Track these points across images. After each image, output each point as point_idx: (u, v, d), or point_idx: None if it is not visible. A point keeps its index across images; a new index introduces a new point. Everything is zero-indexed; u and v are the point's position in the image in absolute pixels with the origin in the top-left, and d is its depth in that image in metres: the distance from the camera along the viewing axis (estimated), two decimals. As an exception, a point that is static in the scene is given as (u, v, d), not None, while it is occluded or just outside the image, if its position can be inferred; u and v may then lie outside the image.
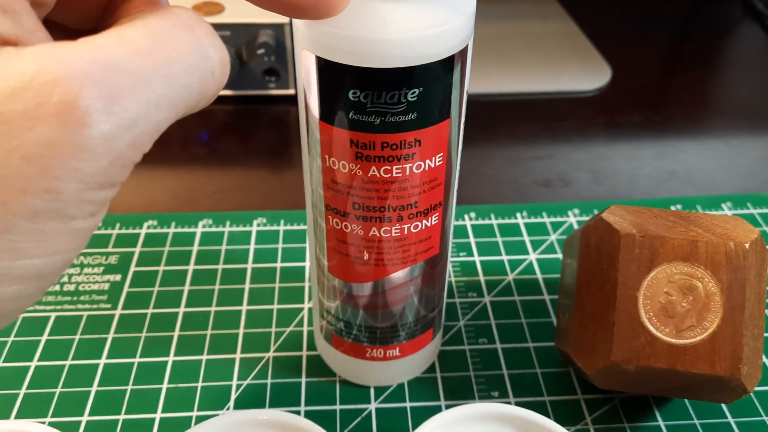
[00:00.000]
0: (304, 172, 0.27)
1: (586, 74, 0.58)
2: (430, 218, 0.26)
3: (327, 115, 0.23)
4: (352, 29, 0.21)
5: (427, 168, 0.25)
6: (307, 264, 0.39)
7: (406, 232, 0.26)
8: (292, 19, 0.23)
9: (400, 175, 0.24)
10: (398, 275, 0.28)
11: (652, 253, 0.27)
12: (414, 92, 0.22)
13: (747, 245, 0.27)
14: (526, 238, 0.41)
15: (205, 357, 0.34)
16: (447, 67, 0.22)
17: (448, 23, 0.22)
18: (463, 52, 0.23)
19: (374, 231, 0.26)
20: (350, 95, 0.22)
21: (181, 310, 0.36)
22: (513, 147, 0.50)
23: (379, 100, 0.22)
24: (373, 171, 0.24)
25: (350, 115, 0.23)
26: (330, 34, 0.21)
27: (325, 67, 0.22)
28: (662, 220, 0.28)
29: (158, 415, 0.31)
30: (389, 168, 0.24)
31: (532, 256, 0.39)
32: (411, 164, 0.24)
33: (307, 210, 0.29)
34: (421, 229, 0.26)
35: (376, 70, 0.22)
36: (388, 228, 0.26)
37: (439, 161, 0.25)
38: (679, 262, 0.27)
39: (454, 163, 0.26)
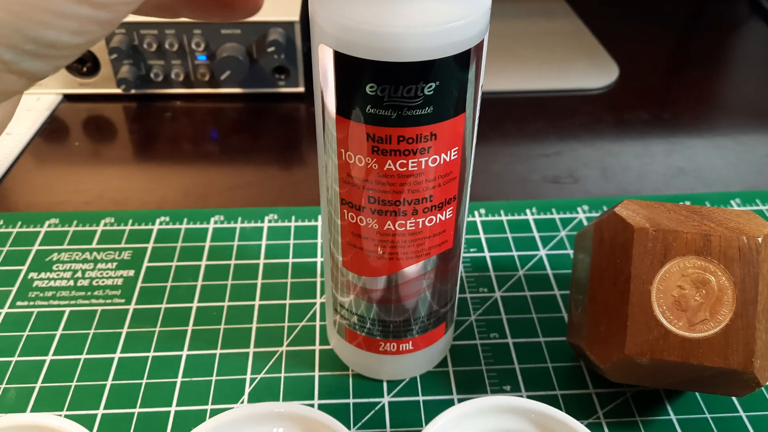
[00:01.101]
0: (319, 169, 0.27)
1: (594, 72, 0.58)
2: (444, 212, 0.27)
3: (344, 109, 0.24)
4: (371, 24, 0.21)
5: (442, 162, 0.25)
6: (318, 259, 0.39)
7: (420, 226, 0.26)
8: (310, 13, 0.23)
9: (416, 168, 0.25)
10: (412, 269, 0.28)
11: (665, 247, 0.27)
12: (431, 86, 0.23)
13: (760, 239, 0.27)
14: (536, 234, 0.41)
15: (218, 351, 0.34)
16: (463, 61, 0.23)
17: (465, 17, 0.22)
18: (479, 47, 0.23)
19: (389, 225, 0.26)
20: (368, 89, 0.23)
21: (195, 305, 0.36)
22: (521, 144, 0.50)
23: (396, 94, 0.23)
24: (389, 165, 0.24)
25: (367, 109, 0.23)
26: (348, 28, 0.22)
27: (343, 62, 0.22)
28: (675, 215, 0.28)
29: (173, 408, 0.31)
30: (405, 162, 0.24)
31: (542, 252, 0.40)
32: (427, 158, 0.24)
33: (321, 206, 0.29)
34: (436, 223, 0.27)
35: (393, 64, 0.22)
36: (403, 222, 0.26)
37: (454, 155, 0.25)
38: (692, 256, 0.27)
39: (468, 157, 0.26)
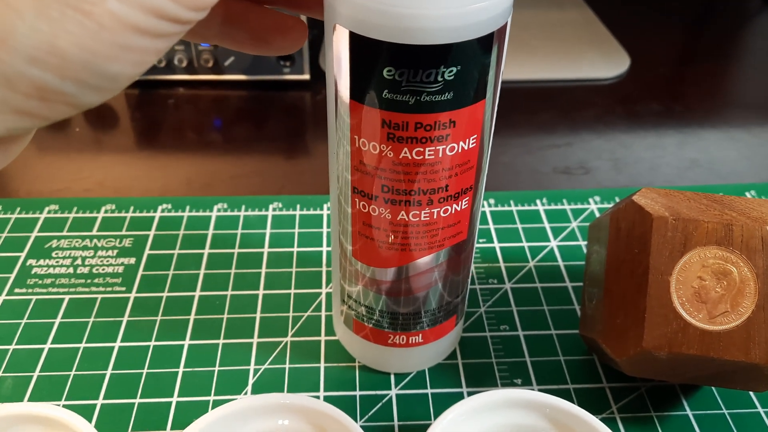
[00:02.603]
0: (329, 156, 0.26)
1: (605, 62, 0.57)
2: (460, 202, 0.26)
3: (358, 93, 0.23)
4: (390, 4, 0.20)
5: (460, 150, 0.24)
6: (323, 249, 0.38)
7: (435, 217, 0.25)
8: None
9: (433, 157, 0.24)
10: (424, 260, 0.27)
11: (685, 237, 0.27)
12: (451, 71, 0.22)
13: (783, 230, 0.26)
14: (547, 225, 0.40)
15: (221, 341, 0.33)
16: (486, 45, 0.22)
17: None
18: (502, 30, 0.22)
19: (402, 215, 0.25)
20: (385, 73, 0.22)
21: (197, 293, 0.35)
22: (531, 135, 0.49)
23: (415, 78, 0.22)
24: (405, 153, 0.23)
25: (383, 94, 0.22)
26: (366, 8, 0.21)
27: (359, 44, 0.21)
28: (695, 203, 0.27)
29: (174, 399, 0.30)
30: (422, 150, 0.23)
31: (553, 243, 0.39)
32: (444, 146, 0.23)
33: (331, 195, 0.28)
34: (451, 214, 0.26)
35: (413, 46, 0.21)
36: (417, 212, 0.25)
37: (472, 143, 0.24)
38: (713, 246, 0.26)
39: (486, 146, 0.25)
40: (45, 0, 0.15)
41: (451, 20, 0.20)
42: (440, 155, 0.24)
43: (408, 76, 0.22)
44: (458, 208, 0.26)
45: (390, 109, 0.22)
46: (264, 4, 0.25)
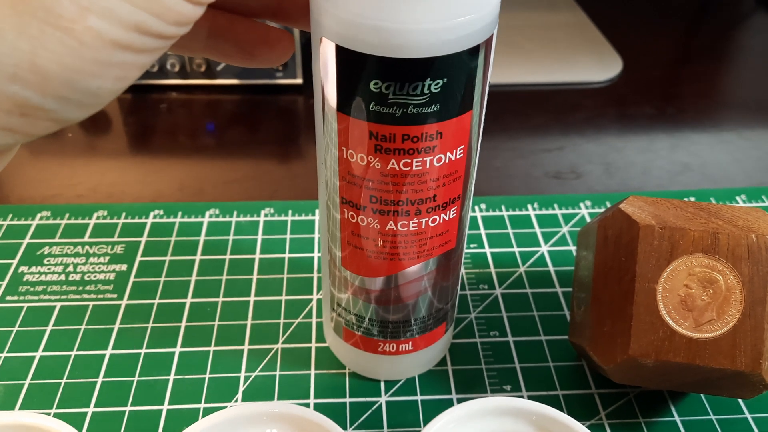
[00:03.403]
0: (318, 163, 0.26)
1: (597, 65, 0.57)
2: (448, 212, 0.26)
3: (345, 105, 0.23)
4: (376, 18, 0.20)
5: (447, 161, 0.24)
6: (315, 255, 0.38)
7: (423, 226, 0.26)
8: (311, 5, 0.22)
9: (420, 168, 0.24)
10: (413, 269, 0.27)
11: (672, 245, 0.27)
12: (438, 83, 0.22)
13: (769, 238, 0.26)
14: (538, 230, 0.40)
15: (212, 348, 0.33)
16: (472, 56, 0.22)
17: (474, 12, 0.21)
18: (489, 41, 0.22)
19: (391, 225, 0.25)
20: (371, 86, 0.22)
21: (188, 300, 0.35)
22: (523, 138, 0.49)
23: (402, 91, 0.22)
24: (393, 164, 0.24)
25: (370, 106, 0.22)
26: (352, 23, 0.21)
27: (346, 57, 0.22)
28: (682, 212, 0.28)
29: (165, 407, 0.30)
30: (409, 161, 0.23)
31: (544, 248, 0.39)
32: (432, 157, 0.24)
33: (320, 200, 0.28)
34: (439, 223, 0.26)
35: (399, 60, 0.21)
36: (406, 222, 0.25)
37: (459, 154, 0.24)
38: (700, 254, 0.27)
39: (474, 155, 0.25)
40: (25, 18, 0.15)
41: (436, 34, 0.21)
42: (428, 166, 0.24)
43: (395, 89, 0.22)
44: (446, 218, 0.26)
45: (377, 121, 0.23)
46: (250, 17, 0.25)
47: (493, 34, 0.22)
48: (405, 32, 0.20)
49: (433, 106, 0.22)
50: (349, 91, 0.22)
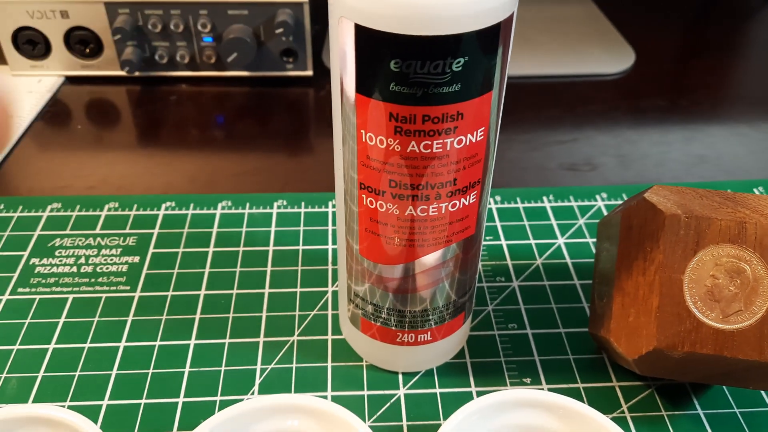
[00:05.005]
0: (335, 152, 0.26)
1: (610, 57, 0.56)
2: (468, 196, 0.25)
3: (364, 87, 0.22)
4: None
5: (468, 143, 0.24)
6: (329, 247, 0.38)
7: (443, 211, 0.25)
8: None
9: (440, 150, 0.23)
10: (432, 257, 0.27)
11: (698, 235, 0.26)
12: (459, 62, 0.21)
13: (797, 227, 0.26)
14: (554, 222, 0.40)
15: (227, 340, 0.33)
16: (493, 35, 0.21)
17: None
18: (509, 20, 0.22)
19: (410, 210, 0.25)
20: (392, 65, 0.21)
21: (202, 292, 0.35)
22: (536, 131, 0.48)
23: (423, 70, 0.21)
24: (413, 146, 0.23)
25: (390, 86, 0.22)
26: (374, 1, 0.20)
27: (365, 36, 0.21)
28: (708, 201, 0.27)
29: (181, 400, 0.30)
30: (429, 143, 0.23)
31: (561, 240, 0.38)
32: (452, 139, 0.23)
33: (336, 192, 0.28)
34: (459, 208, 0.25)
35: (421, 38, 0.20)
36: (425, 207, 0.25)
37: (480, 136, 0.24)
38: (726, 244, 0.26)
39: (493, 139, 0.25)
40: None
41: (460, 10, 0.20)
42: (448, 148, 0.23)
43: (415, 68, 0.21)
44: (466, 203, 0.25)
45: (397, 102, 0.22)
46: None
47: (513, 13, 0.22)
48: (427, 8, 0.20)
49: (454, 85, 0.22)
50: (369, 72, 0.22)
